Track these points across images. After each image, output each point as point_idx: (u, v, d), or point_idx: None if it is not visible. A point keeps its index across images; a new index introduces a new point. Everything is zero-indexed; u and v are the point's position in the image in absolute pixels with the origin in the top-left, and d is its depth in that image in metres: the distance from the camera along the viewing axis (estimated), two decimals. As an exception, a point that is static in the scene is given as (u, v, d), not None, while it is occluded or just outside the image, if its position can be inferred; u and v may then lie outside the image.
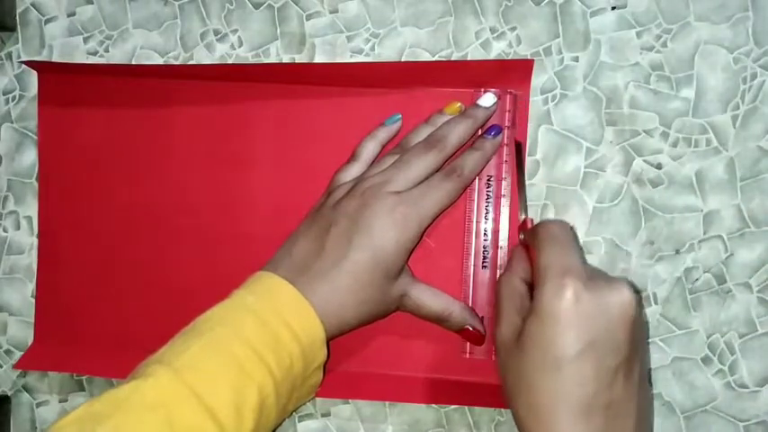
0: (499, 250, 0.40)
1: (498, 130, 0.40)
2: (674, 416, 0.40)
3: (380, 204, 0.36)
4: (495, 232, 0.40)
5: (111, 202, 0.44)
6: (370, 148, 0.40)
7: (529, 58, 0.41)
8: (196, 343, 0.32)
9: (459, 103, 0.40)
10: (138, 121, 0.43)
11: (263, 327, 0.33)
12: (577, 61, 0.41)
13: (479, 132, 0.40)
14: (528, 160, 0.41)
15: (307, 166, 0.42)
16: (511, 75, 0.40)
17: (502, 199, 0.40)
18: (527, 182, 0.41)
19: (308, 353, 0.34)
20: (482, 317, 0.40)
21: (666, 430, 0.40)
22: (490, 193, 0.40)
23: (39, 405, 0.44)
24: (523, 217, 0.38)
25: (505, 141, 0.40)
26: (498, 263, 0.40)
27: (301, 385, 0.35)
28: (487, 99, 0.40)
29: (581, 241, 0.41)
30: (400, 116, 0.41)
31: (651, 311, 0.40)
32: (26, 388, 0.44)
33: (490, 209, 0.40)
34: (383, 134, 0.41)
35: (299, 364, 0.34)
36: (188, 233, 0.43)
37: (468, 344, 0.40)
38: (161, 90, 0.43)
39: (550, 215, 0.41)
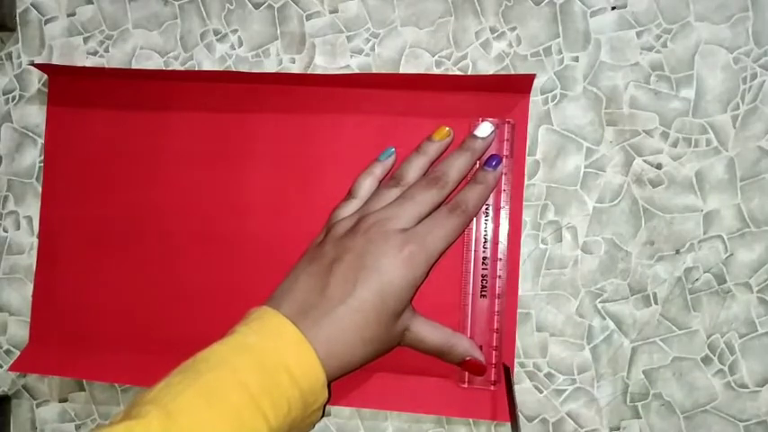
0: (497, 280, 0.41)
1: (498, 160, 0.40)
2: (674, 416, 0.41)
3: (387, 242, 0.36)
4: (494, 261, 0.41)
5: (114, 203, 0.45)
6: (367, 185, 0.40)
7: (529, 59, 0.42)
8: (193, 385, 0.32)
9: (447, 128, 0.41)
10: (144, 124, 0.44)
11: (263, 371, 0.33)
12: (577, 61, 0.42)
13: (478, 164, 0.41)
14: (528, 160, 0.42)
15: (308, 168, 0.43)
16: (512, 88, 0.41)
17: (500, 229, 0.41)
18: (526, 182, 0.42)
19: (308, 396, 0.34)
20: (480, 346, 0.41)
21: (666, 430, 0.41)
22: (488, 221, 0.41)
23: (39, 405, 0.45)
24: None
25: (504, 171, 0.41)
26: (497, 292, 0.41)
27: (299, 424, 0.35)
28: (484, 129, 0.40)
29: (581, 241, 0.42)
30: (394, 150, 0.41)
31: (651, 311, 0.41)
32: (26, 388, 0.45)
33: (488, 237, 0.41)
34: (379, 170, 0.41)
35: (297, 408, 0.33)
36: (189, 236, 0.44)
37: (467, 374, 0.41)
38: (167, 93, 0.44)
39: (550, 215, 0.42)
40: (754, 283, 0.41)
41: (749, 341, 0.41)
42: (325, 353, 0.34)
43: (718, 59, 0.41)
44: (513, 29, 0.43)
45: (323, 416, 0.37)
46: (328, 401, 0.36)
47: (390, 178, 0.40)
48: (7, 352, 0.46)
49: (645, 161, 0.41)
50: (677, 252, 0.41)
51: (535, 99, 0.42)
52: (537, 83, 0.42)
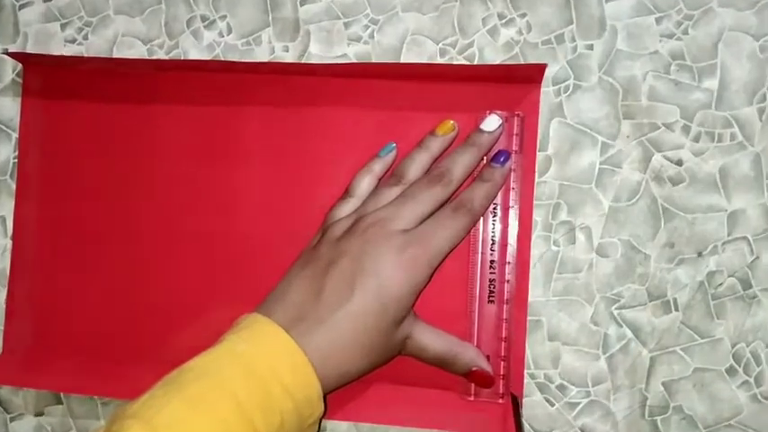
0: (506, 284, 0.40)
1: (507, 156, 0.39)
2: (696, 431, 0.39)
3: (387, 243, 0.35)
4: (502, 264, 0.40)
5: (94, 203, 0.43)
6: (365, 183, 0.39)
7: (540, 47, 0.41)
8: (178, 397, 0.31)
9: (451, 122, 0.39)
10: (126, 118, 0.43)
11: (253, 381, 0.32)
12: (592, 49, 0.41)
13: (485, 159, 0.40)
14: (539, 156, 0.41)
15: (302, 165, 0.42)
16: (521, 78, 0.40)
17: (508, 229, 0.40)
18: (537, 179, 0.40)
19: (302, 409, 0.33)
20: (487, 355, 0.39)
21: (688, 446, 0.40)
22: (496, 222, 0.40)
23: (13, 419, 0.43)
24: None
25: (513, 167, 0.39)
26: (505, 297, 0.40)
27: None
28: (491, 122, 0.39)
29: (596, 243, 0.40)
30: (394, 145, 0.40)
31: (671, 319, 0.40)
32: (-1, 401, 0.44)
33: (496, 239, 0.40)
34: (378, 167, 0.40)
35: (291, 422, 0.32)
36: (176, 237, 0.43)
37: (473, 386, 0.40)
38: (150, 84, 0.43)
39: (563, 215, 0.40)
40: (781, 288, 0.39)
41: (777, 350, 0.39)
42: (320, 362, 0.33)
43: (744, 47, 0.40)
44: (523, 15, 0.41)
45: (319, 431, 0.36)
46: (324, 415, 0.35)
47: (391, 176, 0.39)
48: (-21, 362, 0.44)
49: (664, 157, 0.40)
50: (699, 255, 0.40)
51: (546, 90, 0.41)
52: (548, 73, 0.41)
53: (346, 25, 0.42)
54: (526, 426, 0.40)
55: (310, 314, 0.34)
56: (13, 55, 0.43)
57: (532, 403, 0.40)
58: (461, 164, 0.38)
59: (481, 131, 0.39)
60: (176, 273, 0.42)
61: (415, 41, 0.42)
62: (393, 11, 0.42)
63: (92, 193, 0.43)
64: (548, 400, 0.40)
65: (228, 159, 0.42)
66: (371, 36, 0.42)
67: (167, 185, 0.43)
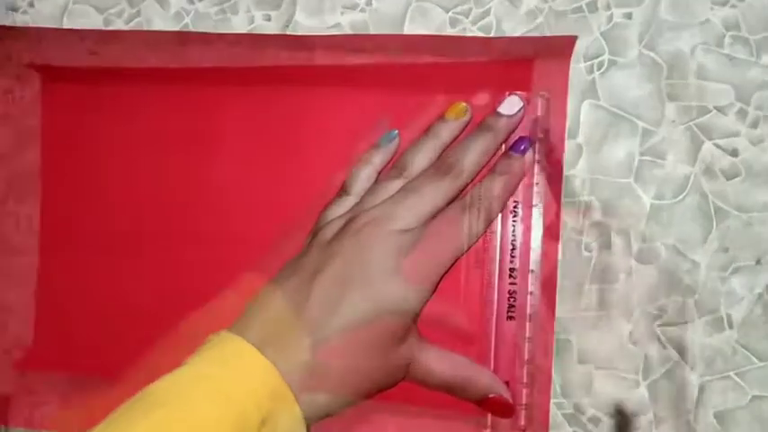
0: (529, 297, 0.38)
1: (528, 144, 0.37)
2: None
3: (384, 246, 0.34)
4: (524, 273, 0.38)
5: (53, 200, 0.42)
6: (363, 178, 0.38)
7: (570, 16, 0.38)
8: (139, 426, 0.29)
9: (463, 104, 0.38)
10: (84, 101, 0.41)
11: (221, 408, 0.30)
12: (630, 18, 0.38)
13: (503, 148, 0.38)
14: (568, 144, 0.38)
15: (289, 157, 0.40)
16: (546, 53, 0.38)
17: (531, 232, 0.38)
18: (565, 172, 0.38)
19: None
20: (506, 381, 0.37)
21: (743, 487, 0.37)
22: (516, 223, 0.38)
23: None
24: None
25: (536, 158, 0.38)
26: (528, 312, 0.38)
27: None
28: (510, 105, 0.37)
29: (636, 248, 0.37)
30: (397, 133, 0.38)
31: (725, 338, 0.37)
32: (-68, 433, 0.41)
33: (517, 243, 0.38)
34: (378, 158, 0.38)
35: None
36: (148, 237, 0.41)
37: (490, 416, 0.37)
38: (110, 60, 0.41)
39: (596, 215, 0.38)
40: None
41: None
42: (302, 387, 0.32)
43: (811, 16, 0.37)
44: (549, -23, 0.39)
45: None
46: None
47: (392, 167, 0.37)
48: None
49: (716, 146, 0.37)
50: (758, 262, 0.37)
51: (577, 67, 0.38)
52: (579, 46, 0.38)
53: (339, -10, 0.40)
54: (553, 464, 0.37)
55: (291, 330, 0.33)
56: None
57: (560, 438, 0.38)
58: (474, 153, 0.36)
59: (498, 115, 0.37)
60: (146, 278, 0.41)
61: (421, 9, 0.39)
62: (395, -27, 0.40)
63: (47, 188, 0.42)
64: (578, 435, 0.38)
65: (205, 151, 0.40)
66: (369, 3, 0.40)
67: (137, 179, 0.41)
